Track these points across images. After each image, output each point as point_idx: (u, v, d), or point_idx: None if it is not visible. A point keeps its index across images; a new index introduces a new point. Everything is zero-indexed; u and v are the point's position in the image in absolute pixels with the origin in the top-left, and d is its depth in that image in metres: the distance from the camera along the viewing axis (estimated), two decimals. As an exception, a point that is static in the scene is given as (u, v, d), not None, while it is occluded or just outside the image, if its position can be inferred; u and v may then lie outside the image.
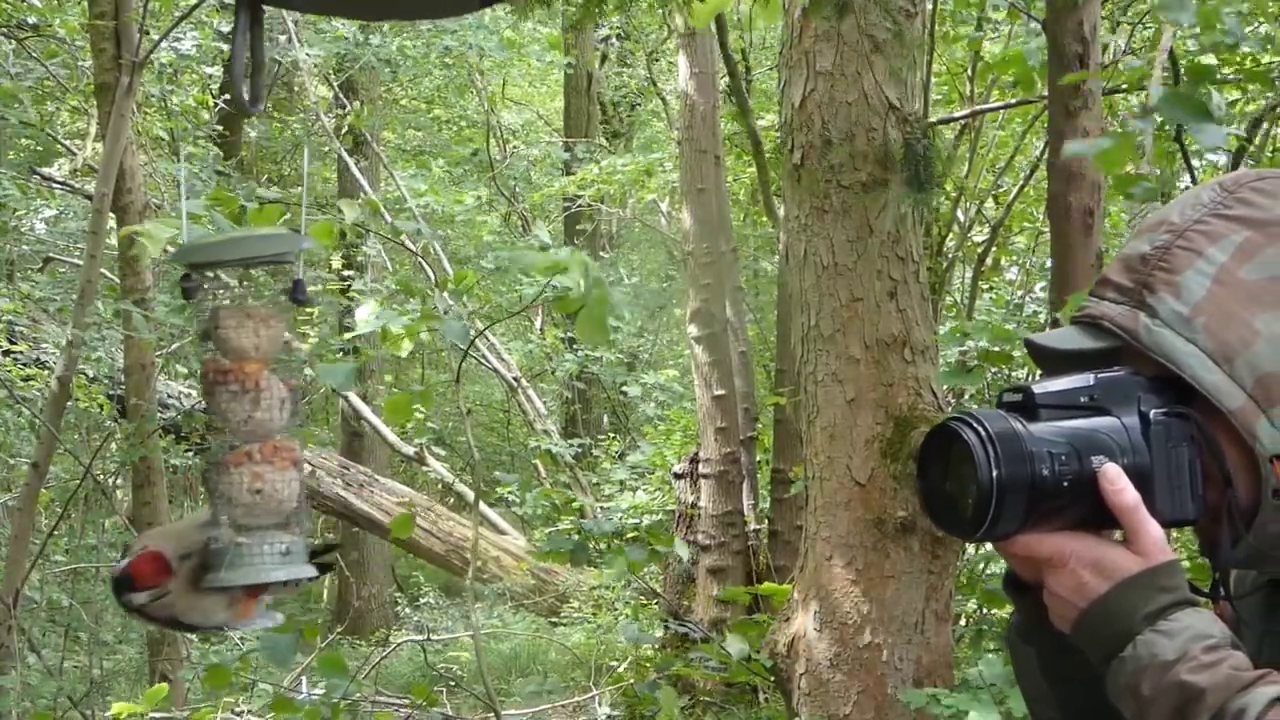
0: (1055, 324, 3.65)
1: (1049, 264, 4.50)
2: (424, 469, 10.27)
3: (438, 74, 11.53)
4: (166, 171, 7.47)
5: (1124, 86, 5.12)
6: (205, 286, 1.44)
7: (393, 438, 9.70)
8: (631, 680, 6.36)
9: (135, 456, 5.55)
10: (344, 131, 10.47)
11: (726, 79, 6.84)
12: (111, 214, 5.30)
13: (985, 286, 7.80)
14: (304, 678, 5.67)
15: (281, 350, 1.45)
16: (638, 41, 11.84)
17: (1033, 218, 7.46)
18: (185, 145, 8.15)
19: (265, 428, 1.42)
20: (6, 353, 7.13)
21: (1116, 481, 1.06)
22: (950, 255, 7.02)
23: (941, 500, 1.10)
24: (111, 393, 6.89)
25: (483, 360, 9.58)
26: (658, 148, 11.74)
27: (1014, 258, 8.07)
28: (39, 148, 9.50)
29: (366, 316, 3.25)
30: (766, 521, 6.64)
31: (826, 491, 3.89)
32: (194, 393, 7.69)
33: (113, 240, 5.88)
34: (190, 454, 7.04)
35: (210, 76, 8.99)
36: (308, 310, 9.73)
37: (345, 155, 10.19)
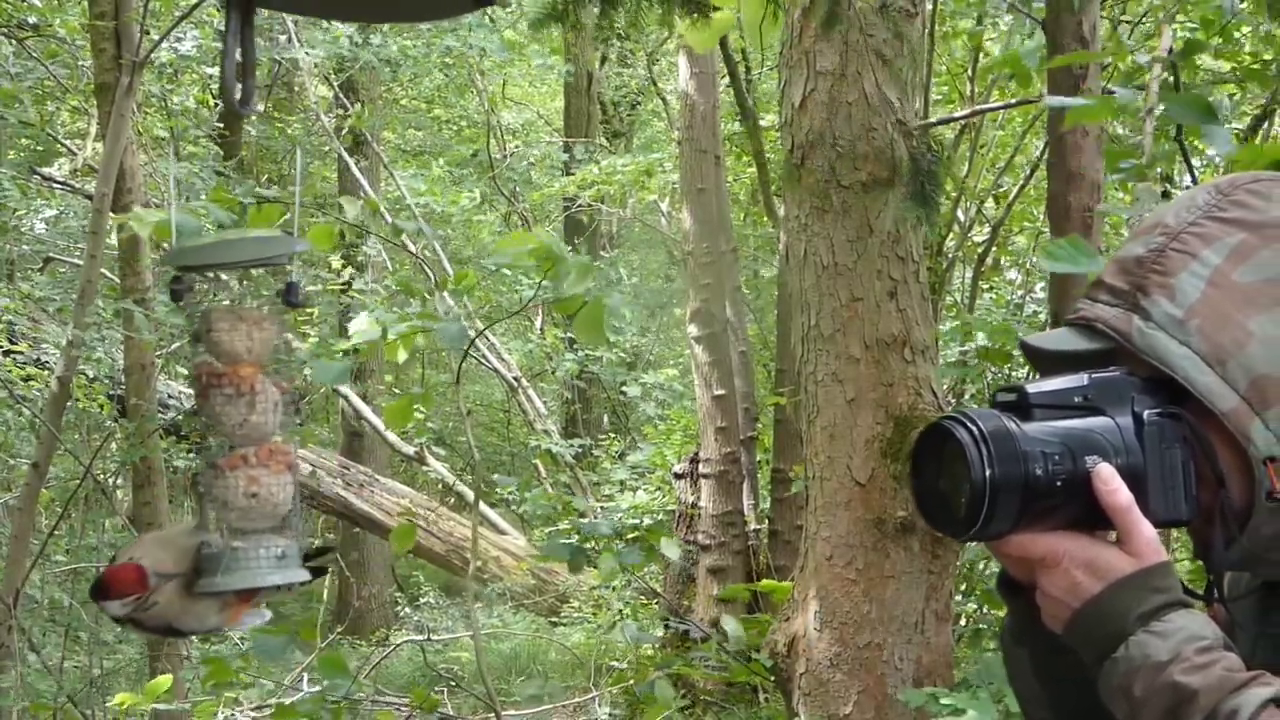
0: (1056, 324, 3.65)
1: (1049, 264, 4.48)
2: (424, 469, 10.27)
3: (438, 74, 11.53)
4: (167, 171, 7.47)
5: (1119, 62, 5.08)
6: (197, 289, 1.44)
7: (393, 438, 9.70)
8: (632, 680, 6.36)
9: (135, 456, 5.55)
10: (344, 132, 10.47)
11: (727, 79, 6.85)
12: (111, 214, 5.30)
13: (985, 286, 7.79)
14: (304, 675, 5.68)
15: (277, 352, 1.45)
16: (638, 42, 11.83)
17: (1033, 218, 7.46)
18: (185, 145, 8.14)
19: (260, 431, 1.42)
20: (7, 353, 7.12)
21: (1110, 482, 1.06)
22: (950, 255, 7.01)
23: (935, 499, 1.10)
24: (111, 393, 6.89)
25: (483, 360, 9.58)
26: (658, 148, 11.74)
27: (1014, 258, 8.07)
28: (39, 148, 9.50)
29: (362, 327, 3.24)
30: (766, 521, 6.64)
31: (826, 491, 3.89)
32: (193, 393, 7.68)
33: (113, 240, 5.89)
34: (191, 454, 7.04)
35: (210, 77, 8.99)
36: (307, 310, 9.74)
37: (345, 155, 10.19)
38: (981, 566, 5.30)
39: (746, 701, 6.14)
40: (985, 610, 5.45)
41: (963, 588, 5.42)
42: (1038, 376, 1.15)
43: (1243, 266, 1.10)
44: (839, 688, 3.84)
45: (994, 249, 7.49)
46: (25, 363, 7.12)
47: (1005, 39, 6.53)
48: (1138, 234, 1.17)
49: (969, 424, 1.06)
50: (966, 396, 6.11)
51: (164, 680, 4.00)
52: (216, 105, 8.91)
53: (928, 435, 1.10)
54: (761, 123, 7.23)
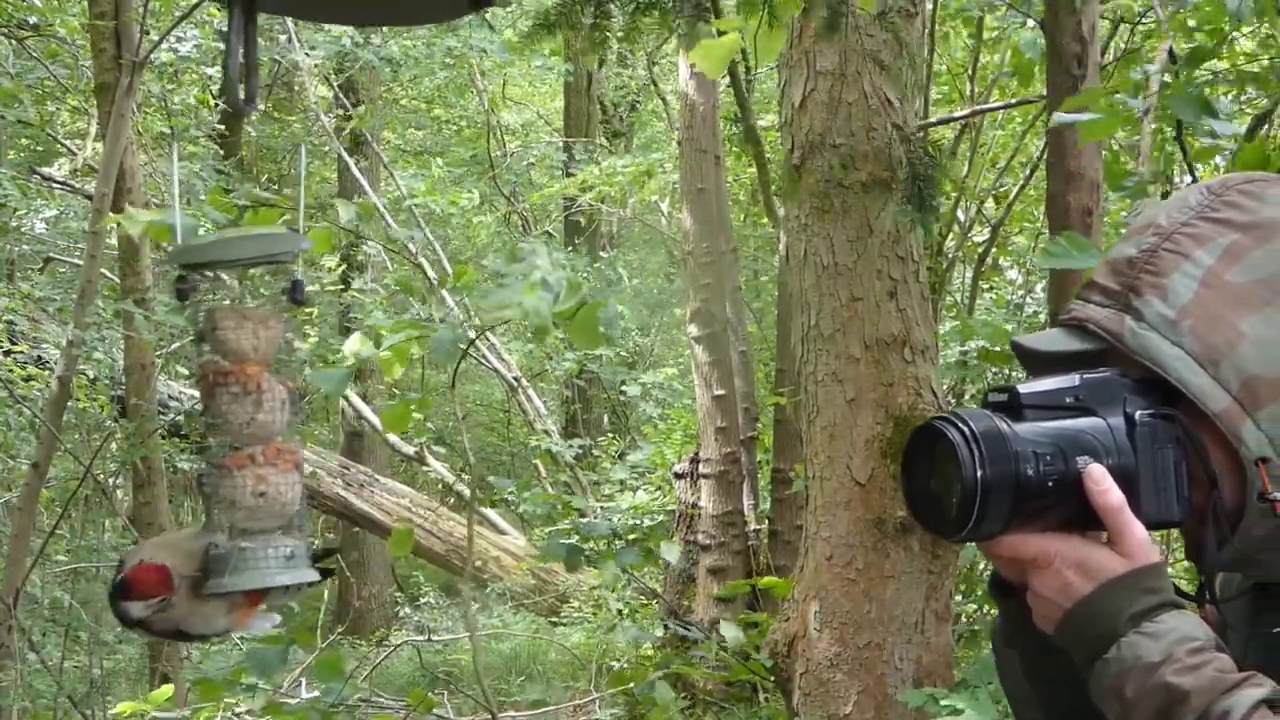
0: (1054, 324, 3.65)
1: (1048, 264, 4.48)
2: (424, 469, 10.27)
3: (439, 74, 11.52)
4: (167, 171, 7.47)
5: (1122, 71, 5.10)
6: (201, 287, 1.43)
7: (393, 438, 9.69)
8: (631, 682, 6.36)
9: (135, 456, 5.55)
10: (344, 132, 10.46)
11: (727, 79, 6.83)
12: (111, 214, 5.30)
13: (985, 286, 7.80)
14: (303, 679, 5.67)
15: (281, 351, 1.44)
16: (637, 43, 11.82)
17: (1033, 218, 7.46)
18: (185, 145, 8.14)
19: (267, 430, 1.41)
20: (7, 353, 7.12)
21: (1101, 482, 1.06)
22: (950, 255, 7.01)
23: (926, 499, 1.09)
24: (112, 393, 6.89)
25: (483, 360, 9.57)
26: (658, 148, 11.73)
27: (1014, 258, 8.06)
28: (39, 148, 9.49)
29: (354, 347, 3.21)
30: (766, 521, 6.64)
31: (826, 491, 3.89)
32: (195, 393, 7.69)
33: (113, 240, 5.89)
34: (193, 456, 7.04)
35: (210, 77, 8.98)
36: (307, 310, 9.73)
37: (345, 155, 10.18)
38: (981, 566, 5.30)
39: (746, 701, 6.14)
40: (985, 610, 5.45)
41: (963, 588, 5.43)
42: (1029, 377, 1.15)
43: (1235, 267, 1.10)
44: (839, 688, 3.84)
45: (994, 249, 7.50)
46: (25, 363, 7.12)
47: (1007, 45, 6.52)
48: (1130, 234, 1.17)
49: (960, 424, 1.06)
50: (966, 397, 6.10)
51: (165, 690, 4.00)
52: (216, 105, 8.90)
53: (919, 435, 1.10)
54: (761, 123, 7.22)
